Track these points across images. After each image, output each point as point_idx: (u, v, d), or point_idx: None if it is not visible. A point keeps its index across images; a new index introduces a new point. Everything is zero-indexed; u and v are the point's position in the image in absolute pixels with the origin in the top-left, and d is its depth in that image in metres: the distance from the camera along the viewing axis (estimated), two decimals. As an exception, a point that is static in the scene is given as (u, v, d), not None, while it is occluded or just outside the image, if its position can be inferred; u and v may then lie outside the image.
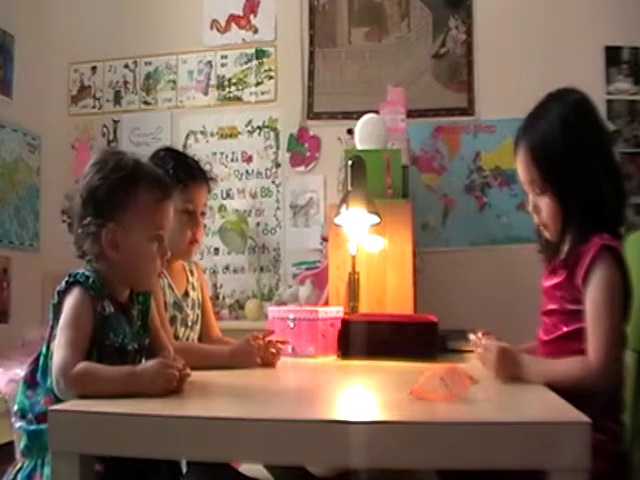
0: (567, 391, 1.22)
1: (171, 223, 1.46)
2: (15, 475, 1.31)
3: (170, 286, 1.88)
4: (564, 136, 1.47)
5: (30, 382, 1.35)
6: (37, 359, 1.35)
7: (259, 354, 1.73)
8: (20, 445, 1.34)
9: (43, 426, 1.28)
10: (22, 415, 1.34)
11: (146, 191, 1.38)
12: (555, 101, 1.55)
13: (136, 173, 1.39)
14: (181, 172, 1.86)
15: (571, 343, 1.43)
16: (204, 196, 1.95)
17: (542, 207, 1.53)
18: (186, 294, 1.95)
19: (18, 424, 1.34)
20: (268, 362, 1.74)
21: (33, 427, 1.31)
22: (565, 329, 1.47)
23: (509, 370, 1.39)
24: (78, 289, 1.32)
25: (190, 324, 1.94)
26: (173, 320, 1.87)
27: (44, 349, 1.34)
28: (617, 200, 1.49)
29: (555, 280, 1.51)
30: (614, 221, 1.49)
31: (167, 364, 1.23)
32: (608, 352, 1.34)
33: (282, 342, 1.84)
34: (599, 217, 1.45)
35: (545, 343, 1.53)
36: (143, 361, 1.39)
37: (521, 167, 1.55)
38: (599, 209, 1.45)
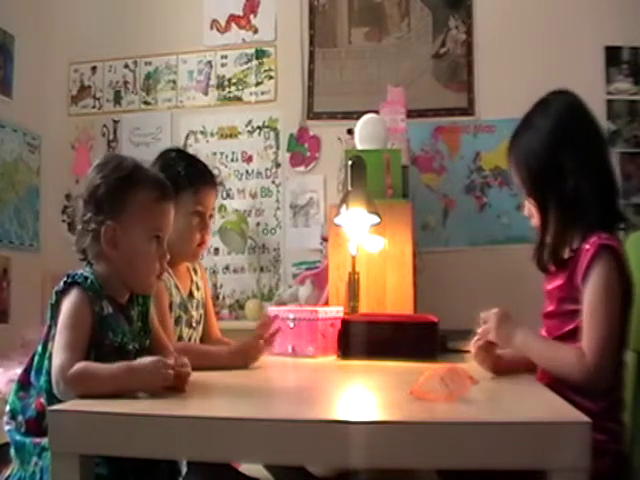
0: (557, 381, 1.27)
1: (171, 226, 1.48)
2: None
3: (176, 286, 1.88)
4: (543, 149, 1.51)
5: (23, 382, 1.36)
6: (32, 359, 1.36)
7: (259, 353, 1.74)
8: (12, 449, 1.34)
9: (27, 439, 1.29)
10: (12, 416, 1.34)
11: (145, 191, 1.40)
12: (540, 110, 1.58)
13: (136, 174, 1.42)
14: (193, 174, 1.86)
15: (572, 342, 1.43)
16: (213, 199, 1.94)
17: (532, 209, 1.57)
18: (191, 294, 1.95)
19: (7, 427, 1.34)
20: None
21: (18, 437, 1.31)
22: (565, 328, 1.47)
23: (506, 329, 1.44)
24: (76, 290, 1.32)
25: (194, 324, 1.94)
26: (178, 320, 1.87)
27: (39, 348, 1.34)
28: (609, 199, 1.50)
29: (557, 282, 1.51)
30: (611, 219, 1.49)
31: (164, 361, 1.23)
32: (602, 351, 1.34)
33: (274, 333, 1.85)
34: (590, 218, 1.45)
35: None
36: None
37: (512, 173, 1.62)
38: (586, 212, 1.46)
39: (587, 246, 1.42)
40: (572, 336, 1.42)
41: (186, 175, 1.83)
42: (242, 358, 1.71)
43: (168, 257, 1.46)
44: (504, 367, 1.49)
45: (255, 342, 1.74)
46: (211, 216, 1.95)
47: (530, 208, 1.58)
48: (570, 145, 1.49)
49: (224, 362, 1.68)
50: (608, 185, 1.51)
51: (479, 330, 1.51)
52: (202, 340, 1.99)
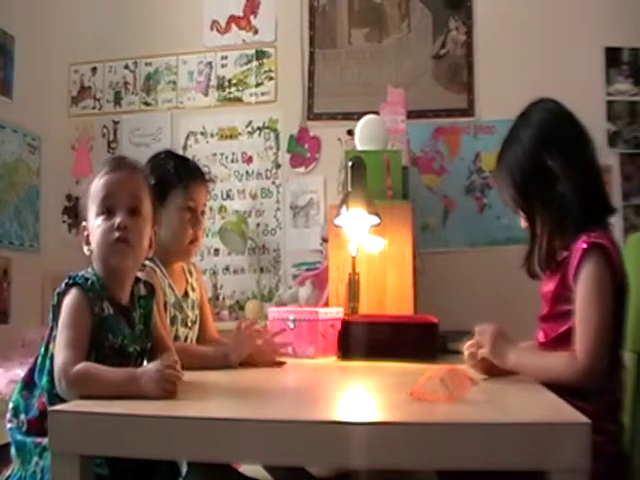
0: (554, 385, 1.27)
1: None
2: None
3: (170, 286, 1.89)
4: (526, 157, 1.52)
5: (27, 381, 1.36)
6: (37, 359, 1.36)
7: (251, 346, 1.74)
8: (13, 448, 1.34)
9: (28, 439, 1.29)
10: (15, 414, 1.34)
11: None
12: (521, 122, 1.59)
13: None
14: (182, 171, 1.89)
15: (568, 343, 1.42)
16: (204, 195, 1.96)
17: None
18: (186, 294, 1.96)
19: (9, 425, 1.35)
20: (267, 362, 1.76)
21: (19, 437, 1.31)
22: (561, 329, 1.47)
23: (501, 347, 1.43)
24: (75, 290, 1.32)
25: (190, 324, 1.94)
26: (174, 320, 1.88)
27: (42, 349, 1.35)
28: (597, 196, 1.51)
29: (551, 284, 1.51)
30: (601, 215, 1.50)
31: (167, 366, 1.22)
32: (595, 350, 1.34)
33: (283, 344, 1.85)
34: (579, 218, 1.46)
35: (543, 345, 1.53)
36: (145, 364, 1.39)
37: (499, 190, 1.64)
38: (574, 213, 1.46)
39: (577, 246, 1.42)
40: (568, 337, 1.42)
41: (175, 172, 1.87)
42: (236, 354, 1.72)
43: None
44: (497, 371, 1.48)
45: (246, 342, 1.75)
46: (203, 212, 1.96)
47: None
48: (551, 149, 1.50)
49: (221, 362, 1.69)
50: (594, 182, 1.51)
51: (472, 341, 1.51)
52: (198, 341, 1.99)
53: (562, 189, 1.47)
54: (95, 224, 1.37)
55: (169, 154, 1.99)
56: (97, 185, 1.39)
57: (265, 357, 1.78)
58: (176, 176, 1.87)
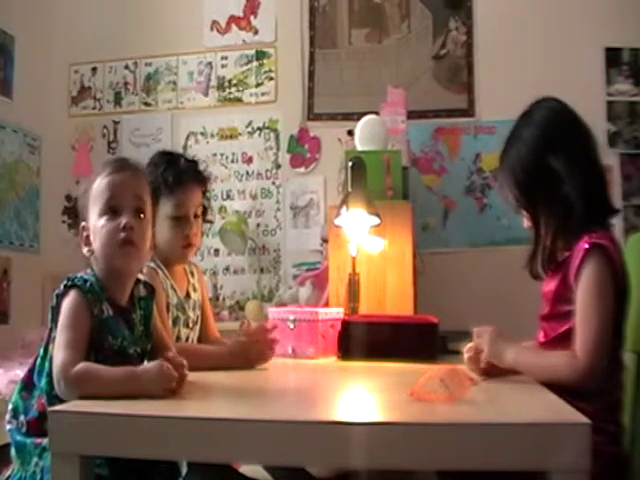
0: (554, 385, 1.27)
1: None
2: None
3: (173, 287, 1.89)
4: (530, 156, 1.52)
5: (27, 382, 1.36)
6: (36, 360, 1.36)
7: (255, 352, 1.74)
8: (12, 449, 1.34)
9: (28, 440, 1.29)
10: (14, 415, 1.34)
11: None
12: (523, 122, 1.59)
13: None
14: (169, 176, 1.86)
15: (568, 343, 1.42)
16: (195, 198, 1.91)
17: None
18: (187, 295, 1.95)
19: (8, 426, 1.34)
20: (262, 358, 1.75)
21: (19, 437, 1.31)
22: (561, 329, 1.47)
23: (499, 347, 1.43)
24: (74, 292, 1.32)
25: (191, 325, 1.94)
26: (176, 321, 1.88)
27: (41, 351, 1.35)
28: (599, 196, 1.50)
29: (552, 285, 1.51)
30: (603, 215, 1.50)
31: (168, 365, 1.22)
32: (595, 350, 1.34)
33: (277, 341, 1.84)
34: (582, 218, 1.46)
35: (543, 345, 1.53)
36: (145, 364, 1.39)
37: (502, 190, 1.63)
38: (577, 213, 1.46)
39: (579, 246, 1.42)
40: (568, 337, 1.42)
41: (164, 179, 1.84)
42: (240, 357, 1.71)
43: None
44: (498, 372, 1.48)
45: (253, 345, 1.75)
46: (199, 215, 1.92)
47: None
48: (553, 148, 1.49)
49: (224, 362, 1.69)
50: (597, 182, 1.51)
51: (470, 344, 1.51)
52: (200, 341, 1.99)
53: (565, 189, 1.46)
54: (99, 224, 1.36)
55: (163, 156, 1.95)
56: (100, 185, 1.38)
57: (262, 358, 1.76)
58: (163, 184, 1.84)
